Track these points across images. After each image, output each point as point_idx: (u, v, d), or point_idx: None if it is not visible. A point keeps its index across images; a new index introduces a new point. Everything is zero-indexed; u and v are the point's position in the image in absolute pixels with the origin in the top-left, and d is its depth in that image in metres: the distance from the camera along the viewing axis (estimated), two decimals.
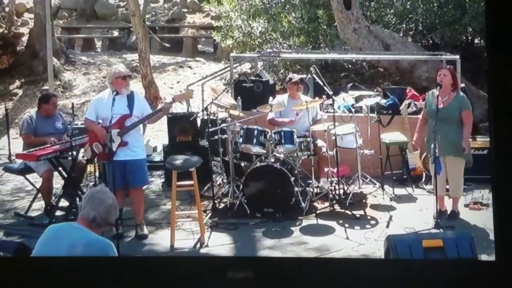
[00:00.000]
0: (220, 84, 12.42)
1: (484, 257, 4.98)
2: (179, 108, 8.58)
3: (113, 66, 7.13)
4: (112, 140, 5.90)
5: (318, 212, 6.72)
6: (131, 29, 15.15)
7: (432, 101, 6.26)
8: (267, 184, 6.65)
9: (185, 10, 18.35)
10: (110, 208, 3.64)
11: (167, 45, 15.67)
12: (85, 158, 6.51)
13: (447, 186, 6.37)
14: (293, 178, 6.58)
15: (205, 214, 6.59)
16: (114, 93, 5.91)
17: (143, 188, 6.59)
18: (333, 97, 7.06)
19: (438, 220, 6.04)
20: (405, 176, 7.67)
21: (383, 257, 4.97)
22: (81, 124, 8.61)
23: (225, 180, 7.49)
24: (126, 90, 6.11)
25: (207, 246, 5.96)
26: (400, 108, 7.95)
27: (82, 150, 6.94)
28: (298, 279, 3.24)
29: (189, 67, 14.93)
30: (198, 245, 5.97)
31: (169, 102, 6.43)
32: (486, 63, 3.00)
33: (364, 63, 12.60)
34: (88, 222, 3.61)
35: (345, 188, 7.09)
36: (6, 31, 14.05)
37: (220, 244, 6.00)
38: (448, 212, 6.40)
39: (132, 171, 6.11)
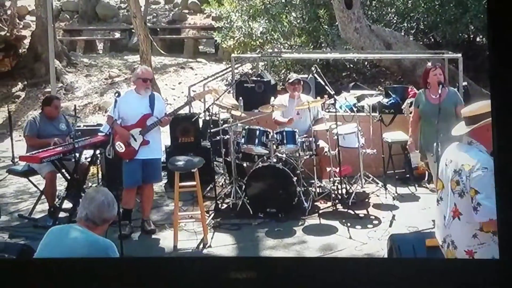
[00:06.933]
0: (222, 85, 12.41)
1: None
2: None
3: (139, 67, 7.23)
4: (134, 139, 6.11)
5: (320, 212, 6.72)
6: (133, 30, 15.17)
7: (427, 100, 6.19)
8: (270, 184, 6.65)
9: (186, 11, 18.36)
10: (102, 205, 3.61)
11: (163, 52, 15.69)
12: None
13: None
14: (295, 178, 6.57)
15: (208, 215, 6.59)
16: (116, 94, 6.10)
17: None
18: (335, 96, 7.05)
19: None
20: (408, 175, 7.66)
21: (386, 256, 4.96)
22: (84, 126, 8.66)
23: (227, 181, 7.48)
24: (146, 92, 6.26)
25: (210, 246, 5.97)
26: (402, 107, 7.94)
27: (84, 152, 6.97)
28: (301, 279, 3.24)
29: (191, 68, 14.94)
30: (201, 245, 5.98)
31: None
32: (488, 61, 2.99)
33: (366, 62, 12.59)
34: (84, 222, 3.61)
35: (348, 187, 7.08)
36: (8, 34, 14.11)
37: (223, 245, 6.00)
38: None
39: (151, 169, 6.30)
